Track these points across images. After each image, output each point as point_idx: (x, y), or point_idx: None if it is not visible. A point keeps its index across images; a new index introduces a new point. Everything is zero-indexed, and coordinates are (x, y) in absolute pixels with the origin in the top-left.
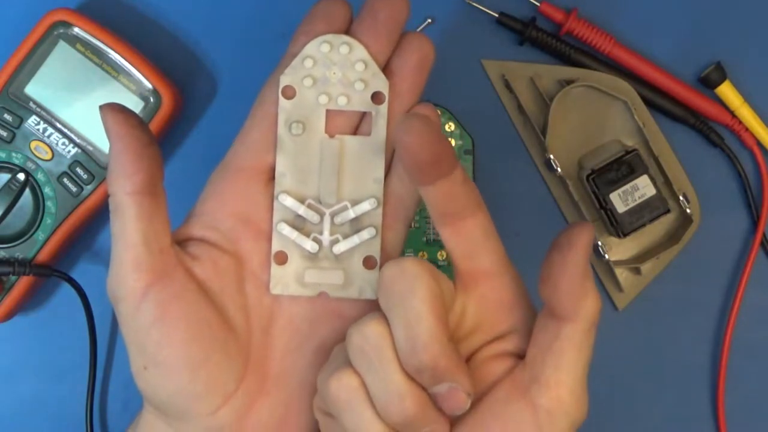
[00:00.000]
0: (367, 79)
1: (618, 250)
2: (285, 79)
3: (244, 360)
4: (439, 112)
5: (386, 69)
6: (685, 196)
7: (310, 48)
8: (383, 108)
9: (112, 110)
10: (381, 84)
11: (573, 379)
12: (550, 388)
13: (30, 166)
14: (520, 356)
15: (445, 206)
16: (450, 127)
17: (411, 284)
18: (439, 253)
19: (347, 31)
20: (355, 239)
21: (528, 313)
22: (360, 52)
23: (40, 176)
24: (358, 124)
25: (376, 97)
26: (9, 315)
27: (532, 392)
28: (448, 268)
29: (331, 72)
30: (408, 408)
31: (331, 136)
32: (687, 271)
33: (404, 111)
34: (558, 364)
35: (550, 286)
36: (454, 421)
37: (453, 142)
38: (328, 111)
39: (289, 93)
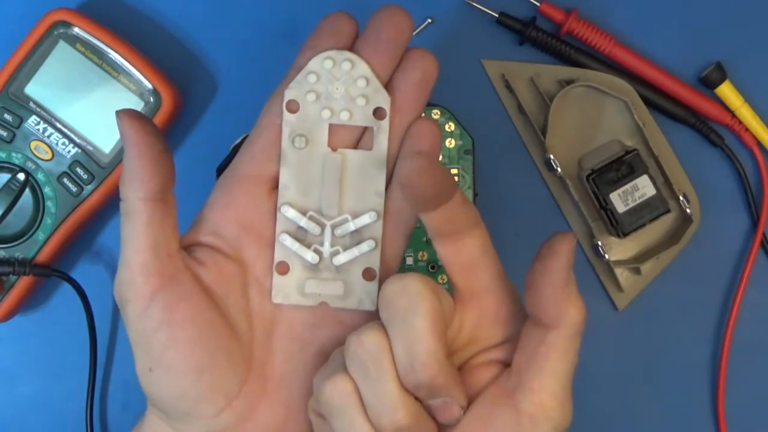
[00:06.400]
0: (369, 94)
1: (618, 250)
2: (289, 93)
3: (246, 363)
4: (438, 113)
5: (389, 84)
6: (685, 196)
7: (314, 63)
8: (384, 123)
9: (129, 117)
10: (382, 100)
11: (556, 384)
12: (534, 393)
13: (30, 166)
14: (508, 364)
15: (443, 228)
16: (450, 127)
17: (413, 302)
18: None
19: (352, 47)
20: (354, 251)
21: (521, 325)
22: (362, 68)
23: (40, 176)
24: (360, 139)
25: (378, 113)
26: (9, 315)
27: (516, 397)
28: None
29: (333, 87)
30: (401, 419)
31: (334, 149)
32: (687, 271)
33: (405, 126)
34: (542, 369)
35: (533, 294)
36: (441, 425)
37: (453, 142)
38: (330, 125)
39: (293, 107)
